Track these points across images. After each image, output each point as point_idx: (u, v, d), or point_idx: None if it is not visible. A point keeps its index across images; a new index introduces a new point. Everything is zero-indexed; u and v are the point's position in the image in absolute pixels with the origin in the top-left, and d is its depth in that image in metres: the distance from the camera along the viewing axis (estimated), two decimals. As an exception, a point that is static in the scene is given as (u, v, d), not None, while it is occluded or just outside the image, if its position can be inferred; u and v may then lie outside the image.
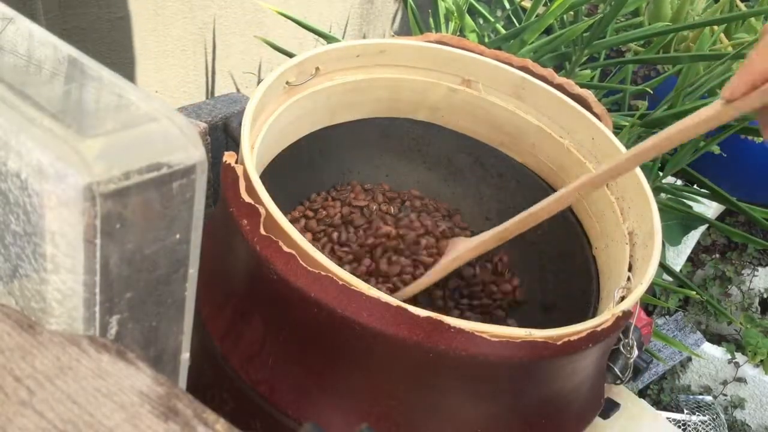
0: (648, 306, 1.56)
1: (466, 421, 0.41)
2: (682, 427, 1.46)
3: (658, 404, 1.59)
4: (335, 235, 0.58)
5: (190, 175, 0.23)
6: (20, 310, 0.24)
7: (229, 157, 0.43)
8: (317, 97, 0.55)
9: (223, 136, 0.68)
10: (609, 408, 0.51)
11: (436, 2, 0.88)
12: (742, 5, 1.02)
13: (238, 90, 1.06)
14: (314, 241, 0.58)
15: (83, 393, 0.22)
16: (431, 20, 0.91)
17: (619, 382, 0.48)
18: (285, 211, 0.40)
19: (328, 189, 0.62)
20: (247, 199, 0.40)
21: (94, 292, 0.23)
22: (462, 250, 0.52)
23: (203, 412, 0.22)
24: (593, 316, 0.50)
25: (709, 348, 1.61)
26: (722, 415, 1.54)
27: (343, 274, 0.37)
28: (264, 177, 0.52)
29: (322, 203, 0.60)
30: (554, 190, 0.59)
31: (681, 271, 1.58)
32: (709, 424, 1.48)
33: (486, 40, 0.88)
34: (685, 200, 0.92)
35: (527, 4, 0.92)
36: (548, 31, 0.84)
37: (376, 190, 0.62)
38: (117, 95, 0.24)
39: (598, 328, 0.40)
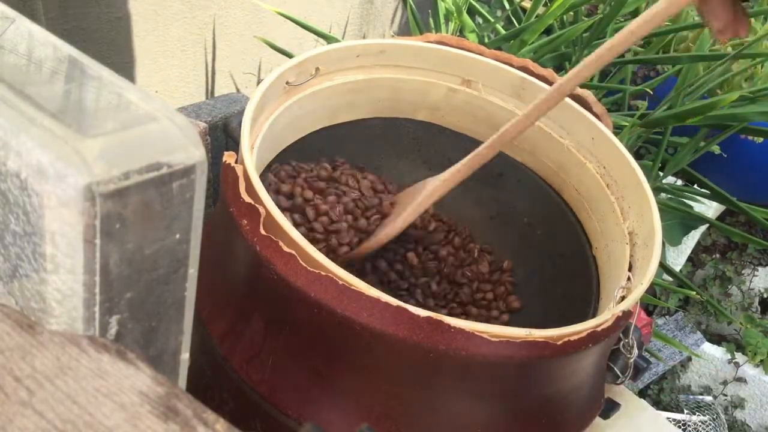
0: (648, 306, 1.56)
1: (466, 421, 0.41)
2: (682, 427, 1.46)
3: (658, 404, 1.59)
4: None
5: (190, 175, 0.23)
6: (20, 310, 0.24)
7: (229, 157, 0.43)
8: (317, 98, 0.55)
9: (223, 136, 0.68)
10: (609, 408, 0.51)
11: (436, 2, 0.88)
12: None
13: (238, 90, 1.06)
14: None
15: (83, 393, 0.22)
16: (431, 20, 0.91)
17: (619, 382, 0.48)
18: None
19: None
20: (247, 199, 0.40)
21: (94, 292, 0.23)
22: (433, 186, 0.52)
23: (203, 412, 0.22)
24: (593, 316, 0.50)
25: (709, 348, 1.61)
26: (722, 415, 1.54)
27: (343, 274, 0.37)
28: (264, 177, 0.52)
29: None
30: (554, 190, 0.59)
31: (681, 271, 1.58)
32: (709, 424, 1.48)
33: (486, 40, 0.88)
34: (685, 200, 0.92)
35: (527, 5, 0.92)
36: (548, 31, 0.84)
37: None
38: (117, 95, 0.24)
39: (598, 328, 0.40)
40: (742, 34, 0.40)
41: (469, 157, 0.50)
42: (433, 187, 0.52)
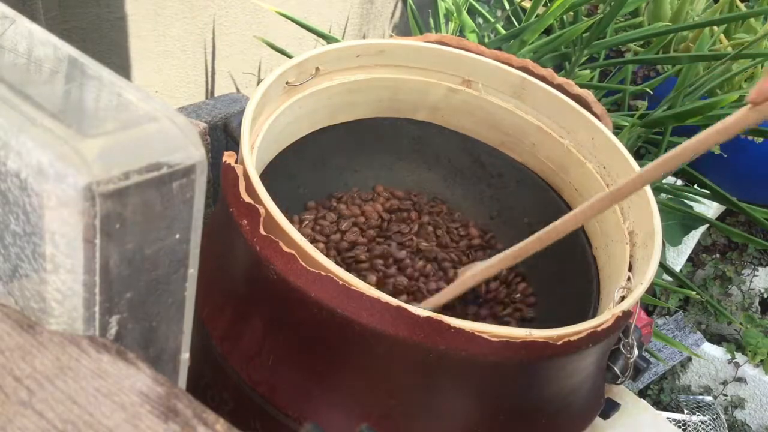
0: (648, 306, 1.56)
1: (466, 421, 0.41)
2: (682, 427, 1.46)
3: (658, 404, 1.59)
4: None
5: (190, 175, 0.23)
6: (20, 310, 0.24)
7: (229, 157, 0.43)
8: (317, 97, 0.55)
9: (223, 136, 0.68)
10: (609, 408, 0.51)
11: (436, 2, 0.88)
12: (742, 5, 1.02)
13: (238, 90, 1.06)
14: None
15: (83, 393, 0.22)
16: (431, 20, 0.91)
17: (619, 382, 0.48)
18: (285, 212, 0.40)
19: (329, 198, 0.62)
20: (247, 199, 0.40)
21: (94, 292, 0.23)
22: (479, 268, 0.52)
23: (203, 412, 0.22)
24: (593, 316, 0.50)
25: (709, 348, 1.61)
26: (722, 415, 1.54)
27: (343, 274, 0.37)
28: (264, 177, 0.52)
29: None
30: (554, 190, 0.59)
31: (681, 271, 1.58)
32: (709, 424, 1.48)
33: (486, 40, 0.88)
34: (685, 200, 0.92)
35: (527, 5, 0.92)
36: (548, 31, 0.84)
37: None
38: (117, 95, 0.24)
39: (598, 328, 0.40)
40: None
41: (518, 246, 0.49)
42: (480, 269, 0.52)
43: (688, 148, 0.40)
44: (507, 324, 0.56)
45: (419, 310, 0.36)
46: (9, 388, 0.21)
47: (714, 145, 0.40)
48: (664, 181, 0.90)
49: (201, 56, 0.96)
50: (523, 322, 0.57)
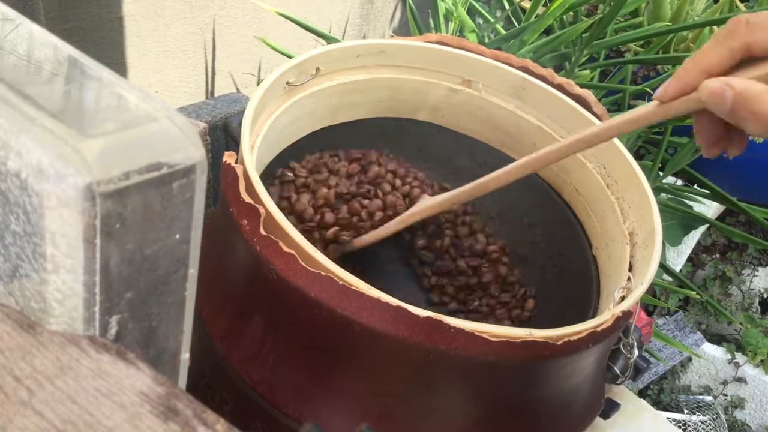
0: (648, 306, 1.56)
1: (466, 421, 0.41)
2: (682, 427, 1.46)
3: (658, 404, 1.59)
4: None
5: (190, 175, 0.23)
6: (20, 310, 0.24)
7: (229, 157, 0.43)
8: (317, 98, 0.55)
9: (223, 136, 0.68)
10: (609, 408, 0.51)
11: (436, 2, 0.88)
12: (741, 6, 1.02)
13: (238, 90, 1.06)
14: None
15: (83, 393, 0.22)
16: (431, 20, 0.91)
17: (619, 382, 0.48)
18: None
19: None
20: (247, 199, 0.40)
21: (94, 292, 0.23)
22: (424, 205, 0.53)
23: (203, 412, 0.22)
24: (593, 316, 0.50)
25: (709, 348, 1.61)
26: (722, 415, 1.54)
27: (343, 274, 0.37)
28: (264, 177, 0.52)
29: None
30: (554, 190, 0.59)
31: (681, 271, 1.59)
32: (709, 424, 1.48)
33: (486, 40, 0.88)
34: (685, 200, 0.92)
35: (527, 5, 0.92)
36: (548, 31, 0.84)
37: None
38: (117, 95, 0.24)
39: (599, 328, 0.40)
40: (732, 154, 0.39)
41: (474, 184, 0.50)
42: (426, 205, 0.53)
43: (593, 135, 0.42)
44: (507, 324, 0.57)
45: (419, 311, 0.36)
46: (9, 388, 0.21)
47: (616, 135, 0.43)
48: (664, 181, 0.90)
49: (201, 56, 0.96)
50: (523, 322, 0.57)
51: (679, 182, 1.06)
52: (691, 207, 0.90)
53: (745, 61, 0.35)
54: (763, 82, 0.34)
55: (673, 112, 0.38)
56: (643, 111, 0.39)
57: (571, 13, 0.86)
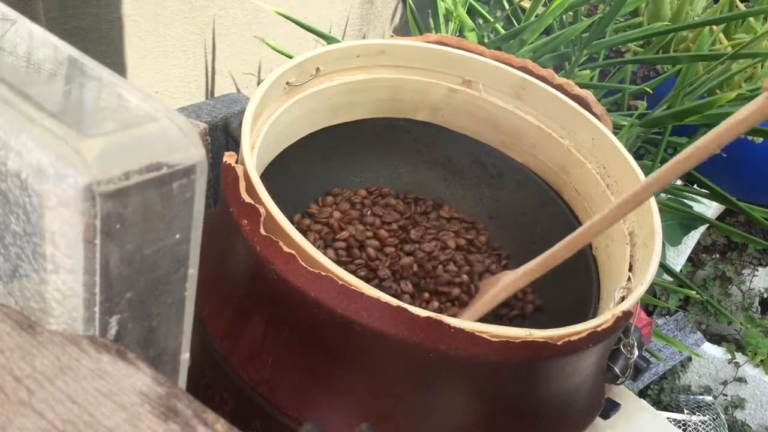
0: (648, 306, 1.56)
1: (466, 421, 0.41)
2: (682, 427, 1.46)
3: (658, 404, 1.59)
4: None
5: (190, 175, 0.23)
6: (20, 310, 0.24)
7: (229, 157, 0.43)
8: (317, 98, 0.55)
9: (223, 136, 0.68)
10: (609, 408, 0.51)
11: (436, 2, 0.88)
12: (741, 5, 1.02)
13: (238, 90, 1.06)
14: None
15: (83, 393, 0.22)
16: (431, 20, 0.91)
17: (619, 382, 0.48)
18: (287, 215, 0.40)
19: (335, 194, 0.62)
20: (247, 199, 0.40)
21: (94, 292, 0.23)
22: (510, 280, 0.51)
23: (203, 412, 0.22)
24: (593, 316, 0.50)
25: (709, 348, 1.61)
26: (722, 415, 1.54)
27: (344, 274, 0.37)
28: (264, 177, 0.52)
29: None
30: (554, 190, 0.59)
31: (681, 271, 1.58)
32: (710, 424, 1.48)
33: (486, 40, 0.88)
34: (685, 200, 0.92)
35: (526, 4, 0.92)
36: (548, 31, 0.84)
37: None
38: (117, 95, 0.24)
39: (599, 328, 0.40)
40: None
41: (548, 253, 0.49)
42: (510, 280, 0.51)
43: (709, 140, 0.39)
44: (507, 324, 0.57)
45: (419, 310, 0.36)
46: (9, 388, 0.21)
47: (732, 138, 0.39)
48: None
49: (201, 56, 0.96)
50: (523, 322, 0.57)
51: (679, 182, 1.06)
52: (690, 207, 0.90)
53: None
54: None
55: None
56: (754, 106, 0.36)
57: (571, 13, 0.86)
